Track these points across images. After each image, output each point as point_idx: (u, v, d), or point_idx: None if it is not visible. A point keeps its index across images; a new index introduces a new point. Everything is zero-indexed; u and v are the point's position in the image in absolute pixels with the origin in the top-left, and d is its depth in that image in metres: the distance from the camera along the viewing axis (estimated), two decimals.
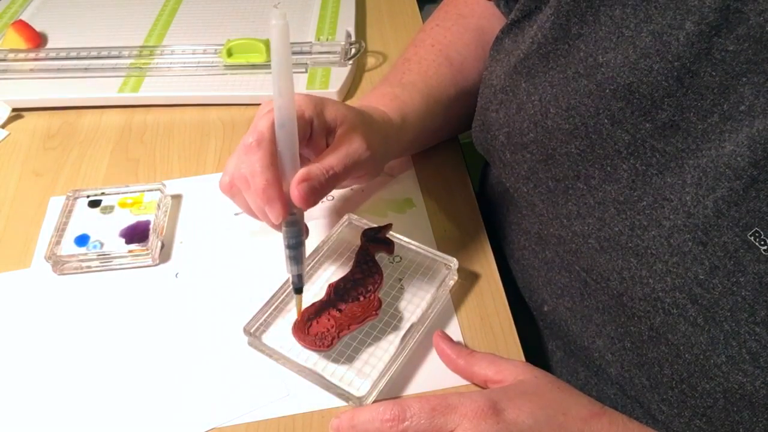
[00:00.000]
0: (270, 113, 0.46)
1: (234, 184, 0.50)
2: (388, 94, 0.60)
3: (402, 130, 0.58)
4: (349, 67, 0.76)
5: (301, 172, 0.46)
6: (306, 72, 0.76)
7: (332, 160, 0.48)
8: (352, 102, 0.74)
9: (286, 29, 0.40)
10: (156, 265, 0.58)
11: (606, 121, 0.44)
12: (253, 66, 0.77)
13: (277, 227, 0.49)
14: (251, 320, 0.50)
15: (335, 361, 0.49)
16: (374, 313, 0.50)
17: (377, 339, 0.50)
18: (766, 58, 0.37)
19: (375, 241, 0.56)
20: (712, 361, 0.40)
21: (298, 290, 0.49)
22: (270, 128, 0.46)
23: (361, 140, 0.50)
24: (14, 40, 0.81)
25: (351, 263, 0.54)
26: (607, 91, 0.43)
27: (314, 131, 0.50)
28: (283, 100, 0.43)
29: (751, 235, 0.37)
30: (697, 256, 0.40)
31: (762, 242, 0.37)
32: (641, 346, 0.46)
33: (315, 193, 0.46)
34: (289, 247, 0.48)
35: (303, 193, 0.45)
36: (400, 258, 0.56)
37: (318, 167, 0.47)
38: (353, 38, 0.81)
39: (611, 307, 0.48)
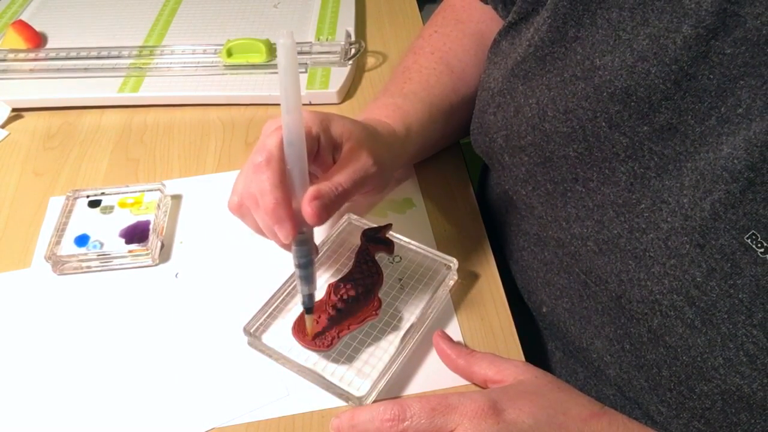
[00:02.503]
0: (278, 131, 0.45)
1: (243, 204, 0.49)
2: (390, 105, 0.59)
3: (406, 140, 0.58)
4: (348, 67, 0.76)
5: (312, 189, 0.45)
6: (306, 72, 0.76)
7: (341, 177, 0.47)
8: (353, 106, 0.74)
9: (293, 48, 0.39)
10: (156, 265, 0.58)
11: (604, 124, 0.44)
12: (253, 66, 0.77)
13: (287, 247, 0.48)
14: (251, 320, 0.51)
15: (335, 361, 0.49)
16: (374, 313, 0.50)
17: (377, 339, 0.51)
18: (763, 61, 0.37)
19: (375, 241, 0.56)
20: (709, 363, 0.40)
21: (309, 310, 0.49)
22: (279, 146, 0.45)
23: (368, 155, 0.50)
24: (14, 40, 0.81)
25: (351, 263, 0.55)
26: (605, 94, 0.43)
27: (321, 147, 0.49)
28: (291, 118, 0.42)
29: (748, 238, 0.38)
30: (694, 258, 0.40)
31: (759, 245, 0.37)
32: (640, 348, 0.46)
33: (327, 210, 0.45)
34: (299, 266, 0.47)
35: (316, 210, 0.44)
36: (400, 258, 0.56)
37: (327, 185, 0.46)
38: (353, 38, 0.81)
39: (610, 309, 0.48)
